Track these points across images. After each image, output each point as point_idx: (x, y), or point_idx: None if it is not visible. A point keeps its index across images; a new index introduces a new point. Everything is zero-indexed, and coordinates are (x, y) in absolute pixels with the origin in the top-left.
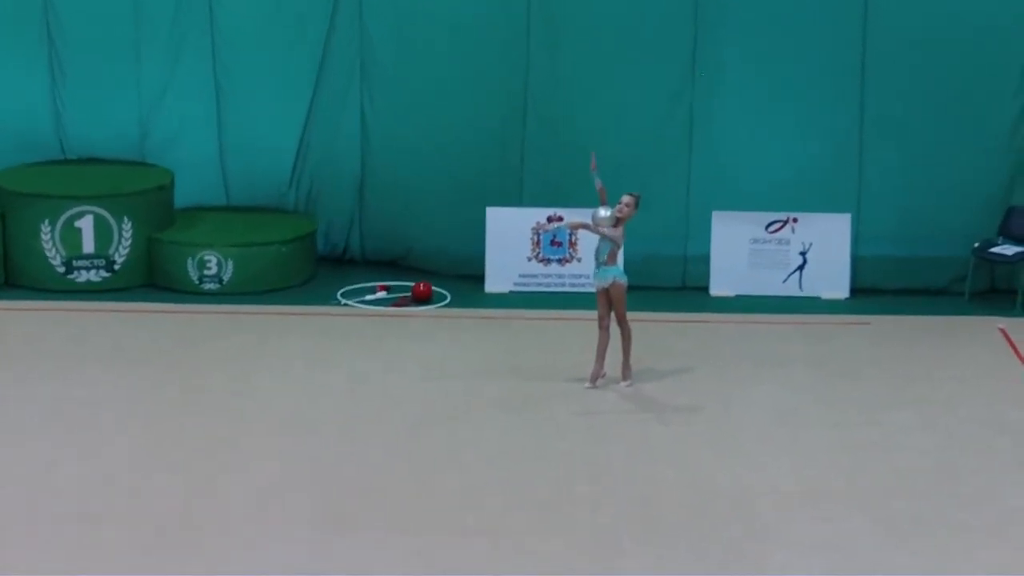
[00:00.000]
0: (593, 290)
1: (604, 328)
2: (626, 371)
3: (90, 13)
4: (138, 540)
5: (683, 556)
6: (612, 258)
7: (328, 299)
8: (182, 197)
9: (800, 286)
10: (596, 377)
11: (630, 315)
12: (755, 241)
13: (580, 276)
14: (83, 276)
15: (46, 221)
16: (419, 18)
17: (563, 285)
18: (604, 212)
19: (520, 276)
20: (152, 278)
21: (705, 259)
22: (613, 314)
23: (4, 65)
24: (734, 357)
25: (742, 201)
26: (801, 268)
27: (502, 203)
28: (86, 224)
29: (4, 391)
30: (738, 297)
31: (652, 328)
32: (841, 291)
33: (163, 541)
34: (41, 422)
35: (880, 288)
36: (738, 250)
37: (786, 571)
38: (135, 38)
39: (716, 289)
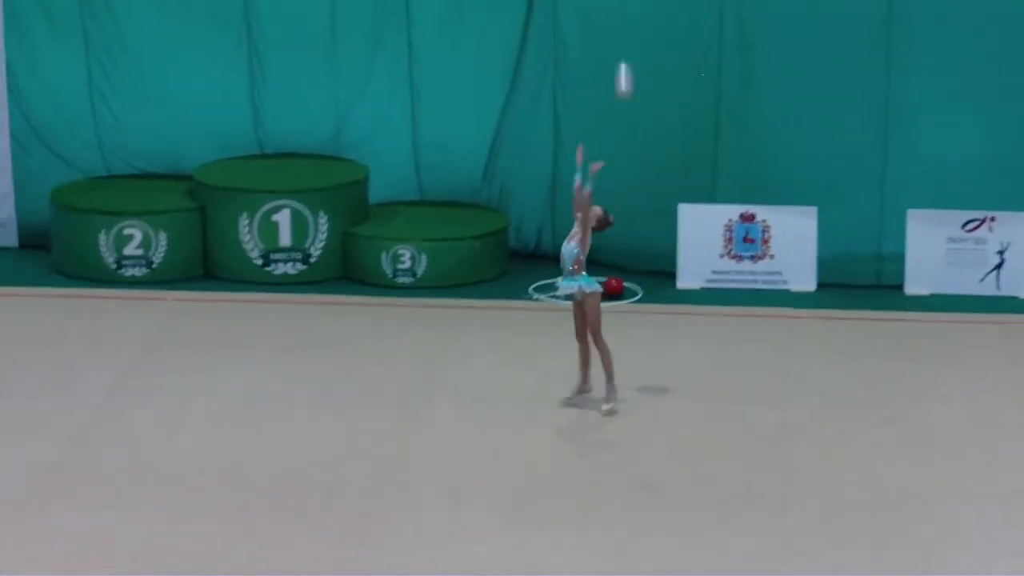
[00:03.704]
0: (790, 288)
1: (581, 339)
2: (610, 393)
3: (289, 12)
4: (330, 533)
5: (868, 557)
6: (581, 265)
7: (520, 294)
8: (376, 192)
9: (998, 285)
10: (581, 391)
11: (819, 312)
12: (951, 240)
13: (773, 273)
14: (280, 269)
15: (244, 215)
16: (611, 17)
17: (755, 282)
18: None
19: (712, 273)
20: (347, 271)
21: (900, 257)
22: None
23: (206, 63)
24: (929, 356)
25: (938, 199)
26: (999, 267)
27: (694, 199)
28: (283, 218)
29: (202, 381)
30: (933, 296)
31: (846, 326)
32: None
33: (353, 534)
34: (236, 412)
35: None
36: (934, 248)
37: (972, 574)
38: (332, 36)
39: (911, 288)
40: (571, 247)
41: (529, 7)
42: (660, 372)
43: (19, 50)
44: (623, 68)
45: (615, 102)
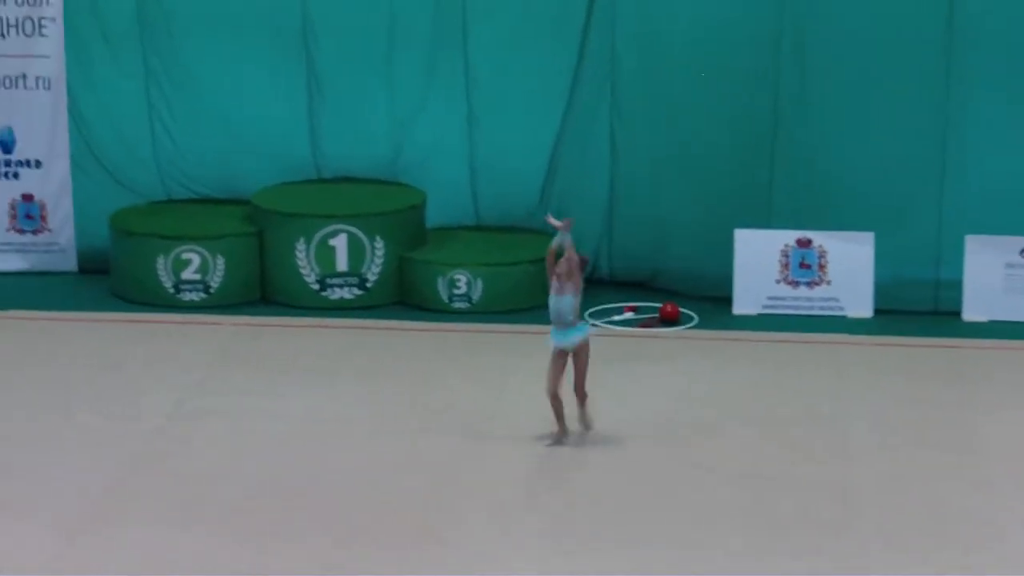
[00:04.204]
0: (846, 314)
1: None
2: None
3: (347, 37)
4: (387, 552)
5: None
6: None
7: None
8: (433, 216)
9: None
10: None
11: None
12: (1009, 266)
13: (830, 299)
14: (336, 293)
15: (301, 239)
16: (668, 41)
17: (812, 308)
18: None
19: (768, 298)
20: (403, 296)
21: (958, 284)
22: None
23: (265, 89)
24: (986, 382)
25: (996, 224)
26: None
27: (750, 225)
28: (340, 243)
29: (259, 405)
30: (992, 323)
31: (903, 353)
32: None
33: (409, 555)
34: (293, 435)
35: None
36: (992, 275)
37: None
38: (389, 61)
39: (969, 314)
40: (568, 299)
41: (586, 30)
42: (716, 398)
43: (79, 74)
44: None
45: (672, 126)
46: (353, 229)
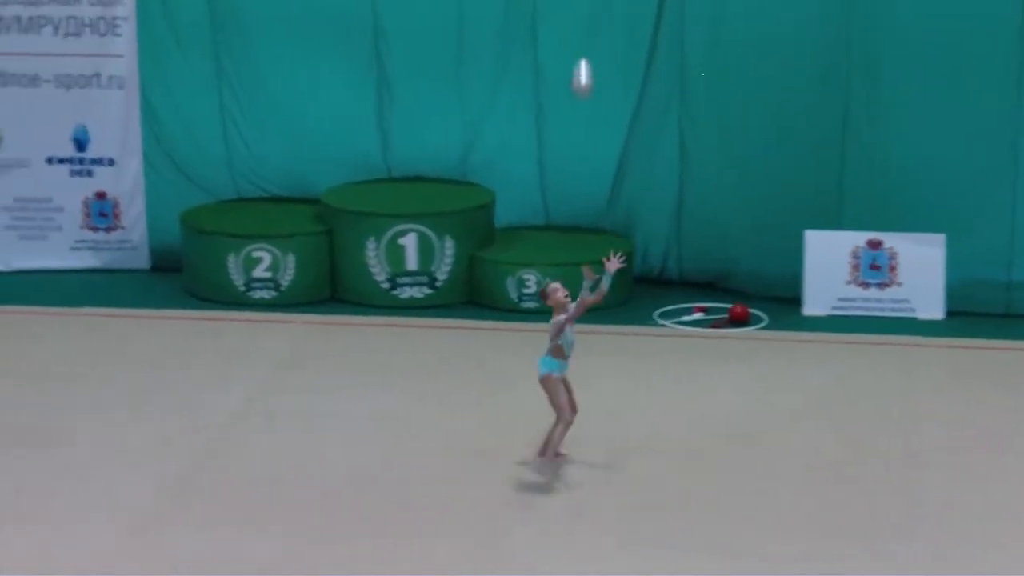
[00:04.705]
0: (917, 316)
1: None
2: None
3: (417, 37)
4: (449, 552)
5: None
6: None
7: (645, 319)
8: (502, 216)
9: None
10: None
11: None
12: None
13: (901, 301)
14: (406, 292)
15: (371, 238)
16: (738, 43)
17: (883, 309)
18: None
19: (839, 300)
20: (472, 296)
21: None
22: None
23: (335, 89)
24: None
25: None
26: None
27: (820, 226)
28: (410, 242)
29: (329, 403)
30: None
31: (974, 355)
32: None
33: (475, 555)
34: (362, 434)
35: None
36: None
37: None
38: (459, 61)
39: None
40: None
41: (655, 32)
42: (785, 399)
43: (152, 73)
44: (583, 64)
45: (742, 127)
46: (423, 228)
